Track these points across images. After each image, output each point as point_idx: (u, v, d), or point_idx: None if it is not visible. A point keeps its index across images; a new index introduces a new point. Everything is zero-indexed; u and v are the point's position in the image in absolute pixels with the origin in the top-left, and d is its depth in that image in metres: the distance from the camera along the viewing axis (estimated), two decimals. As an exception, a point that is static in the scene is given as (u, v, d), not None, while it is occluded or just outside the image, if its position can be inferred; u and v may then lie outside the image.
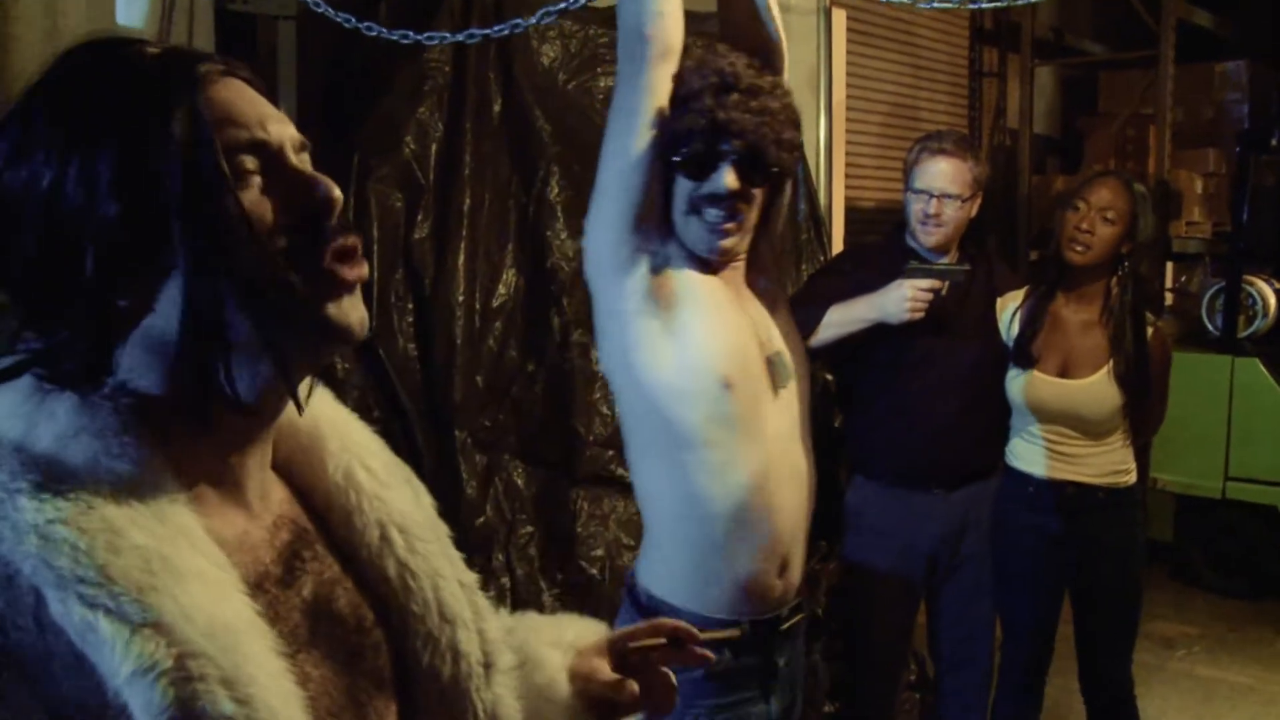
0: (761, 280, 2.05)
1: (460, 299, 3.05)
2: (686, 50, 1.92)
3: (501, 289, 3.16)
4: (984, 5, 2.24)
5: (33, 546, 0.70)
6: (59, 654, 0.69)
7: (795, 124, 1.91)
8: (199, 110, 0.79)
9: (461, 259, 3.06)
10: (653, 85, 1.87)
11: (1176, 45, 6.71)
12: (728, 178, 1.84)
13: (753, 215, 1.93)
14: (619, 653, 1.21)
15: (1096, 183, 2.99)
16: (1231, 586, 5.51)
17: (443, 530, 1.02)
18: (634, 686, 1.17)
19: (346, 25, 2.25)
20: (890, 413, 2.95)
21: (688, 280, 1.90)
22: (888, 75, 6.48)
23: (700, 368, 1.87)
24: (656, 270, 1.89)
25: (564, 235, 3.18)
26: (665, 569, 1.96)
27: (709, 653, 1.22)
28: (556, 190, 3.20)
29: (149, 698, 0.68)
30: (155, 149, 0.77)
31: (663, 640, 1.19)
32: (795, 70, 2.20)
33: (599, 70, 3.35)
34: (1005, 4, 2.21)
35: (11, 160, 0.77)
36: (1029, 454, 3.03)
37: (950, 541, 2.99)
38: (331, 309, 0.83)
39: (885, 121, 6.44)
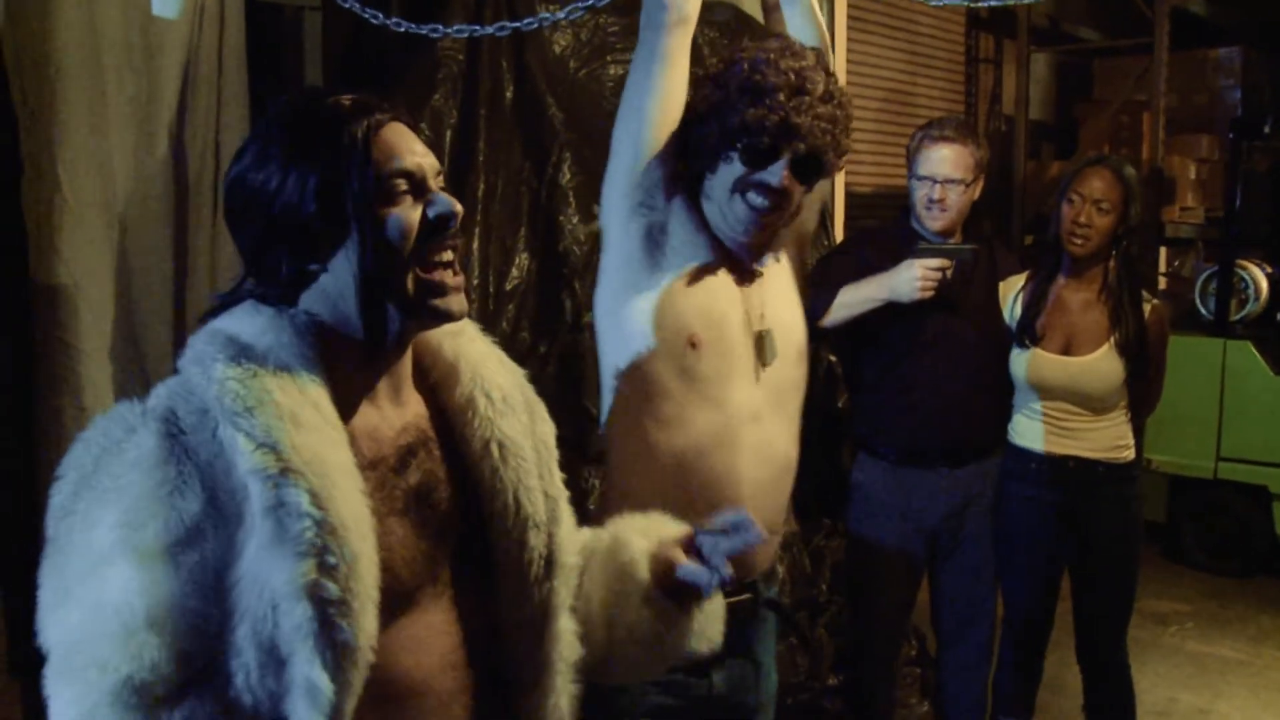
0: (773, 257, 2.11)
1: (474, 282, 3.11)
2: (752, 40, 2.01)
3: (514, 272, 3.22)
4: (985, 4, 2.31)
5: (216, 390, 1.10)
6: (221, 456, 1.09)
7: (849, 131, 1.99)
8: (373, 147, 1.17)
9: (475, 243, 3.13)
10: (668, 51, 1.96)
11: (1171, 32, 6.77)
12: (783, 174, 1.92)
13: (789, 211, 2.02)
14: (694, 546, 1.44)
15: (1088, 173, 3.05)
16: (1222, 565, 5.61)
17: (548, 452, 1.36)
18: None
19: (374, 21, 2.31)
20: (896, 392, 3.01)
21: (681, 243, 1.99)
22: (885, 62, 6.54)
23: (669, 323, 1.94)
24: (655, 226, 1.98)
25: (575, 219, 3.24)
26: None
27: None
28: (568, 176, 3.27)
29: (260, 489, 1.07)
30: (344, 171, 1.16)
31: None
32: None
33: (609, 58, 3.42)
34: (1006, 3, 2.27)
35: (253, 165, 1.18)
36: (1031, 430, 3.11)
37: (953, 518, 3.05)
38: (437, 302, 1.21)
39: (882, 107, 6.51)
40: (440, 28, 2.38)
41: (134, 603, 1.04)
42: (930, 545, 3.08)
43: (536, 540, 1.29)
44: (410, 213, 1.19)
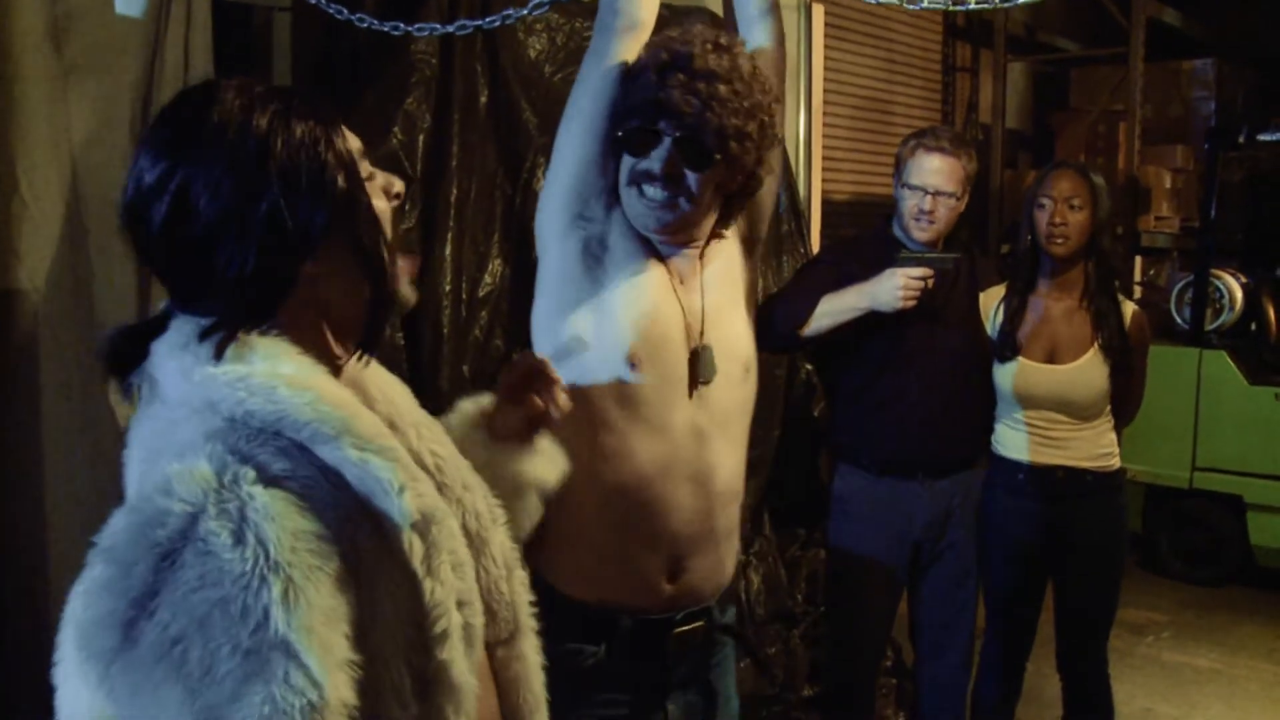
0: (720, 268, 2.01)
1: (447, 288, 3.07)
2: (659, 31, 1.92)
3: (488, 278, 3.18)
4: (968, 8, 2.29)
5: (308, 414, 1.01)
6: (330, 483, 1.01)
7: (748, 113, 1.83)
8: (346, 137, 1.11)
9: (448, 249, 3.09)
10: (615, 56, 1.88)
11: (1146, 43, 6.81)
12: (663, 159, 1.83)
13: (703, 200, 1.88)
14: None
15: (1054, 176, 3.08)
16: (1197, 574, 5.63)
17: (464, 462, 1.31)
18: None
19: (339, 17, 2.27)
20: (878, 402, 2.99)
21: (621, 256, 1.90)
22: (862, 69, 6.53)
23: (608, 342, 1.86)
24: (593, 240, 1.90)
25: (550, 226, 3.20)
26: (561, 557, 1.88)
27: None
28: (542, 181, 3.22)
29: (400, 505, 1.03)
30: (331, 166, 1.07)
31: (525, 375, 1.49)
32: (776, 65, 2.23)
33: (584, 63, 3.38)
34: (987, 8, 2.25)
35: (202, 174, 1.03)
36: (1017, 441, 3.10)
37: (934, 529, 3.03)
38: (401, 289, 1.18)
39: (859, 115, 6.49)
40: (402, 25, 2.33)
41: (331, 684, 0.92)
42: (912, 556, 3.06)
43: (499, 551, 1.28)
44: (379, 197, 1.15)
